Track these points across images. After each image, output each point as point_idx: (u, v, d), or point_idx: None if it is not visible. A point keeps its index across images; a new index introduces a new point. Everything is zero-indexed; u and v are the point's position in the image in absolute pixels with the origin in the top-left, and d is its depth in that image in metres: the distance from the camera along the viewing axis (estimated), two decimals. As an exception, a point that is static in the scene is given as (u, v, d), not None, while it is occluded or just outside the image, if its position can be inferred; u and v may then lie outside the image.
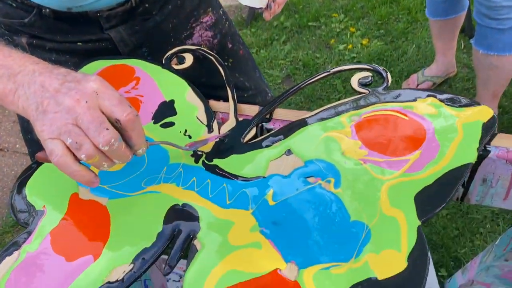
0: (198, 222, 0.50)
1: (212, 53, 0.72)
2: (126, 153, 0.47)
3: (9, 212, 1.64)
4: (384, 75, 0.63)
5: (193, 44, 0.81)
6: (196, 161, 0.56)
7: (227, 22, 0.87)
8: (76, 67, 0.75)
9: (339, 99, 1.86)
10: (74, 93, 0.44)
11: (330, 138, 0.56)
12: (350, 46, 2.03)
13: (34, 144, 0.84)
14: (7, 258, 0.49)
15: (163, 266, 0.47)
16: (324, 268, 0.44)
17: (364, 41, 2.03)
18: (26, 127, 0.83)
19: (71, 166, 0.45)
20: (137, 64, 0.72)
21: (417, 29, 2.05)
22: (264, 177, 0.53)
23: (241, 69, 0.90)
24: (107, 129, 0.44)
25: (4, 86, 0.47)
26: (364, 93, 0.61)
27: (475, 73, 1.53)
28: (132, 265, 0.47)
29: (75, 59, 0.75)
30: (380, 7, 2.19)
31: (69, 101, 0.44)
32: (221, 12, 0.86)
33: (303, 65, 2.01)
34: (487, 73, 1.45)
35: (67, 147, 0.45)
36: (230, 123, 0.61)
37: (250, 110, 0.64)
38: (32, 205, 0.53)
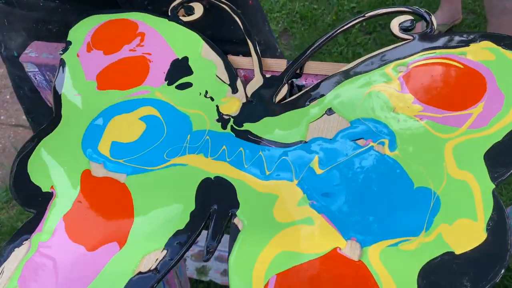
0: (236, 197, 0.43)
1: (225, 1, 0.63)
2: None
3: (2, 187, 1.56)
4: (428, 18, 0.55)
5: None
6: (224, 127, 0.49)
7: None
8: (68, 14, 0.66)
9: (340, 53, 1.77)
10: None
11: (377, 93, 0.48)
12: (348, -6, 1.92)
13: (26, 100, 0.77)
14: (16, 250, 0.42)
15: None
16: (391, 245, 0.38)
17: (366, -12, 1.92)
18: (18, 83, 0.75)
19: None
20: (140, 18, 0.62)
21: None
22: (305, 142, 0.46)
23: (250, 21, 0.81)
24: None
25: None
26: (407, 39, 0.54)
27: (481, 20, 1.46)
28: (165, 251, 0.40)
29: (65, 5, 0.66)
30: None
31: None
32: None
33: (301, 17, 1.90)
34: (500, 19, 1.37)
35: None
36: (257, 81, 0.53)
37: (277, 65, 0.56)
38: (38, 187, 0.46)
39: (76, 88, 0.54)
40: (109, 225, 0.42)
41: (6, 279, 0.40)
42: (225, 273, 1.16)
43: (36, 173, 0.47)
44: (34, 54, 0.63)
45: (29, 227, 0.43)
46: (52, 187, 0.46)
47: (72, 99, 0.53)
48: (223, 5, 0.62)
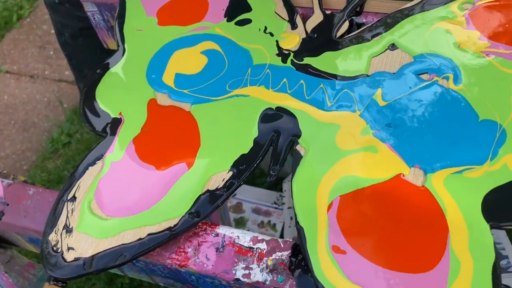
0: (298, 126, 0.44)
1: None
2: None
3: (48, 138, 1.63)
4: (496, -45, 0.53)
5: None
6: (284, 61, 0.49)
7: None
8: None
9: None
10: None
11: (441, 29, 0.48)
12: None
13: (67, 47, 0.79)
14: (91, 168, 0.44)
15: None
16: (455, 172, 0.39)
17: None
18: (59, 30, 0.78)
19: None
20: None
21: None
22: (367, 75, 0.46)
23: None
24: None
25: None
26: (474, -22, 0.52)
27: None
28: (231, 172, 0.42)
29: None
30: None
31: None
32: None
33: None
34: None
35: None
36: (316, 17, 0.53)
37: (336, 2, 0.55)
38: (107, 113, 0.48)
39: (138, 24, 0.56)
40: (177, 148, 0.44)
41: (83, 192, 0.43)
42: (262, 224, 1.19)
43: (104, 101, 0.49)
44: (93, -7, 0.64)
45: (101, 149, 0.45)
46: (120, 113, 0.48)
47: (134, 34, 0.55)
48: None
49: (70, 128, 1.63)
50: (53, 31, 2.00)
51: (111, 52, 0.71)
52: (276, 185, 1.36)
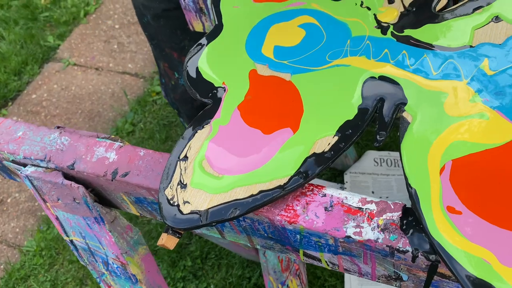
0: (403, 93, 0.45)
1: None
2: None
3: (113, 127, 1.69)
4: None
5: None
6: (384, 33, 0.50)
7: None
8: None
9: None
10: None
11: (549, 1, 0.47)
12: None
13: (149, 28, 0.82)
14: (199, 131, 0.46)
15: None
16: None
17: None
18: (142, 11, 0.81)
19: None
20: None
21: None
22: (471, 46, 0.46)
23: None
24: None
25: None
26: None
27: None
28: (336, 137, 0.43)
29: None
30: None
31: None
32: None
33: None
34: None
35: None
36: (414, -7, 0.53)
37: (432, -20, 0.55)
38: (210, 83, 0.50)
39: (234, 1, 0.58)
40: (281, 114, 0.46)
41: (195, 153, 0.45)
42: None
43: (207, 72, 0.51)
44: (185, -24, 0.67)
45: (208, 114, 0.48)
46: (223, 83, 0.50)
47: (231, 11, 0.57)
48: None
49: (134, 117, 1.70)
50: (117, 26, 2.09)
51: (192, 33, 0.74)
52: (336, 177, 1.36)
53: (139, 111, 1.70)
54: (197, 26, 0.73)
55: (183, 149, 0.45)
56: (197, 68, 0.52)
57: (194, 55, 0.54)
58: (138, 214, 0.55)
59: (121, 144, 0.50)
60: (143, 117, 1.68)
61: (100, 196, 0.53)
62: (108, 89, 1.86)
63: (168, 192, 0.43)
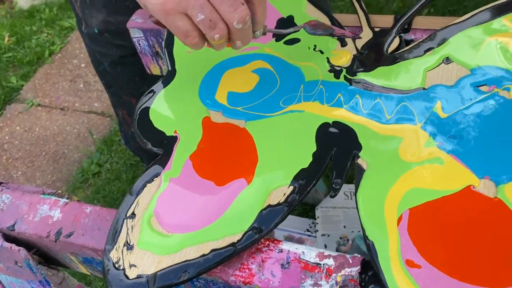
0: (357, 139, 0.43)
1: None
2: (250, 33, 0.42)
3: (78, 168, 1.65)
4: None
5: None
6: (337, 77, 0.49)
7: None
8: None
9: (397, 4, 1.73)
10: None
11: (496, 42, 0.47)
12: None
13: (106, 75, 0.80)
14: (149, 185, 0.44)
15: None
16: (529, 183, 0.37)
17: (431, -24, 1.87)
18: (98, 59, 0.79)
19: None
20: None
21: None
22: (424, 89, 0.46)
23: None
24: (242, 3, 0.38)
25: None
26: (523, -8, 0.52)
27: None
28: (292, 187, 0.41)
29: None
30: None
31: None
32: None
33: (366, 4, 1.87)
34: None
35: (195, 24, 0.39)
36: (366, 35, 0.53)
37: (383, 21, 0.56)
38: (162, 132, 0.48)
39: (187, 47, 0.57)
40: (235, 164, 0.44)
41: (142, 209, 0.42)
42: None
43: (159, 120, 0.49)
44: (140, 20, 0.66)
45: (158, 166, 0.45)
46: (175, 131, 0.48)
47: (184, 56, 0.56)
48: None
49: (100, 158, 1.65)
50: (83, 65, 2.06)
51: (150, 78, 0.72)
52: (308, 212, 1.34)
53: (106, 151, 1.66)
54: (155, 70, 0.72)
55: (130, 206, 0.43)
56: (148, 116, 0.50)
57: (145, 102, 0.52)
58: (89, 273, 0.51)
59: (67, 200, 0.47)
60: (110, 157, 1.64)
61: (46, 256, 0.50)
62: (73, 129, 1.81)
63: (114, 255, 0.40)
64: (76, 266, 0.50)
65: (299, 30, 0.48)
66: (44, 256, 0.49)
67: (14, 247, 0.45)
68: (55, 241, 0.44)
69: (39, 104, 1.92)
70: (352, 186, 1.27)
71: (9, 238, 0.47)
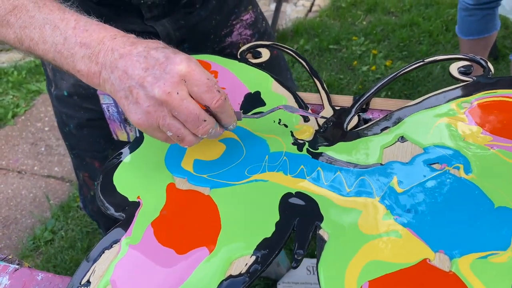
0: (319, 210, 0.45)
1: (290, 48, 0.68)
2: (220, 132, 0.46)
3: (30, 235, 1.56)
4: (485, 64, 0.59)
5: (231, 42, 0.78)
6: (300, 149, 0.52)
7: (264, 22, 0.85)
8: None
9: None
10: (162, 85, 0.42)
11: (446, 125, 0.51)
12: (373, 68, 2.03)
13: (71, 137, 0.80)
14: (107, 252, 0.43)
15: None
16: (481, 257, 0.39)
17: (388, 63, 2.03)
18: (64, 121, 0.79)
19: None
20: (211, 59, 0.68)
21: (439, 51, 2.05)
22: (381, 164, 0.48)
23: (274, 69, 0.87)
24: (204, 120, 0.43)
25: (88, 68, 0.45)
26: (467, 81, 0.58)
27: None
28: (254, 256, 0.41)
29: None
30: (400, 30, 2.21)
31: (160, 94, 0.42)
32: (259, 10, 0.83)
33: (328, 85, 1.99)
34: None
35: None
36: (327, 112, 0.56)
37: (343, 101, 0.60)
38: (125, 197, 0.48)
39: (156, 114, 0.58)
40: (197, 231, 0.44)
41: (98, 277, 0.41)
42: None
43: (122, 185, 0.49)
44: (111, 87, 0.68)
45: (118, 232, 0.44)
46: (138, 197, 0.48)
47: (152, 123, 0.57)
48: (288, 51, 0.68)
49: (55, 224, 1.58)
50: (47, 128, 2.03)
51: (115, 142, 0.73)
52: (270, 287, 1.30)
53: (62, 217, 1.59)
54: (122, 136, 0.72)
55: (86, 273, 0.41)
56: (112, 180, 0.50)
57: (110, 166, 0.52)
58: None
59: (17, 266, 0.45)
60: (65, 224, 1.57)
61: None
62: (29, 193, 1.74)
63: (63, 326, 0.37)
64: None
65: (275, 111, 0.51)
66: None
67: (-48, 317, 0.42)
68: (-1, 311, 0.41)
69: (-5, 166, 1.85)
70: (314, 261, 1.26)
71: None
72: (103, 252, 0.43)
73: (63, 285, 0.42)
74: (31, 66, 2.35)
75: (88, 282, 0.40)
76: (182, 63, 0.42)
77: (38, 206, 1.68)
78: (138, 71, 0.42)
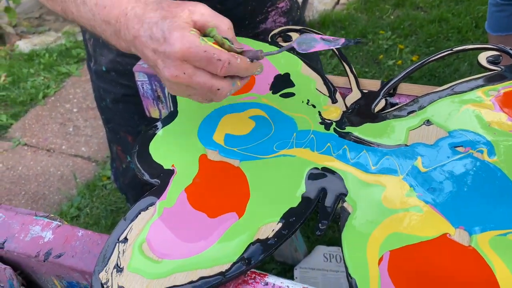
0: (344, 185, 0.47)
1: (320, 33, 0.70)
2: (244, 82, 0.48)
3: (57, 211, 1.61)
4: (513, 54, 0.60)
5: (265, 29, 0.79)
6: (327, 129, 0.53)
7: (299, 10, 0.86)
8: None
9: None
10: (168, 70, 0.43)
11: (472, 110, 0.52)
12: (399, 62, 2.02)
13: (107, 111, 0.83)
14: (143, 213, 0.46)
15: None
16: (500, 235, 0.40)
17: (414, 58, 2.02)
18: (101, 95, 0.82)
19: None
20: (241, 41, 0.70)
21: (468, 47, 2.02)
22: (406, 145, 0.50)
23: (305, 57, 0.88)
24: (218, 89, 0.45)
25: (119, 44, 0.47)
26: (495, 70, 0.58)
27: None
28: (280, 224, 0.44)
29: None
30: (428, 25, 2.18)
31: (170, 77, 0.44)
32: None
33: (352, 78, 1.98)
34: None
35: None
36: (355, 95, 0.58)
37: (371, 85, 0.61)
38: (160, 164, 0.51)
39: (189, 91, 0.61)
40: (227, 199, 0.46)
41: (135, 235, 0.44)
42: None
43: (158, 154, 0.52)
44: (146, 65, 0.71)
45: (153, 196, 0.47)
46: (173, 165, 0.50)
47: (186, 100, 0.60)
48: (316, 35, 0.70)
49: (81, 202, 1.63)
50: (75, 110, 2.09)
51: (148, 119, 0.76)
52: (286, 272, 1.33)
53: (87, 195, 1.65)
54: (154, 113, 0.75)
55: (123, 231, 0.44)
56: (148, 149, 0.53)
57: (146, 137, 0.54)
58: (68, 301, 0.50)
59: (59, 223, 0.48)
60: (90, 201, 1.63)
61: (28, 280, 0.49)
62: (57, 171, 1.80)
63: (103, 276, 0.40)
64: (57, 293, 0.50)
65: (290, 47, 0.50)
66: (26, 280, 0.49)
67: (0, 265, 0.45)
68: (44, 261, 0.45)
69: (26, 143, 1.93)
70: (331, 248, 1.28)
71: (-5, 257, 0.47)
72: (139, 213, 0.46)
73: (102, 241, 0.45)
74: (62, 49, 2.42)
75: (126, 239, 0.43)
76: (176, 43, 0.43)
77: (65, 184, 1.74)
78: (150, 54, 0.44)
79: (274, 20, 0.80)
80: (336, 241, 1.34)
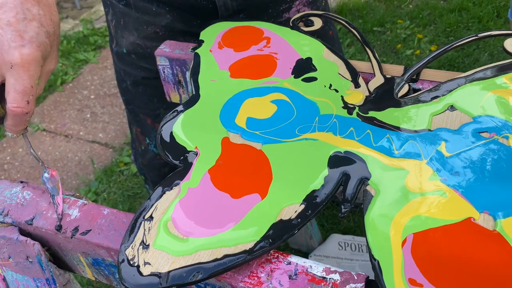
0: (367, 168, 0.47)
1: (342, 18, 0.70)
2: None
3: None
4: (541, 40, 0.59)
5: (288, 19, 0.79)
6: (350, 113, 0.53)
7: (324, 1, 0.85)
8: (174, 21, 0.74)
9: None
10: None
11: (497, 97, 0.52)
12: (417, 52, 1.99)
13: (127, 93, 0.84)
14: (168, 192, 0.46)
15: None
16: (526, 219, 0.40)
17: (433, 48, 1.99)
18: (122, 77, 0.83)
19: None
20: (264, 26, 0.70)
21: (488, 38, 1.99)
22: (430, 130, 0.50)
23: (325, 41, 0.87)
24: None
25: None
26: (521, 57, 0.57)
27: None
28: (303, 205, 0.44)
29: (173, 13, 0.74)
30: (448, 15, 2.15)
31: None
32: None
33: (369, 68, 1.97)
34: None
35: None
36: (378, 80, 0.58)
37: (394, 70, 0.61)
38: (183, 147, 0.51)
39: (211, 75, 0.61)
40: (250, 180, 0.47)
41: (160, 213, 0.44)
42: None
43: (181, 136, 0.53)
44: (167, 50, 0.71)
45: (178, 176, 0.48)
46: (196, 147, 0.51)
47: (208, 83, 0.60)
48: (341, 21, 0.69)
49: (98, 187, 1.66)
50: (92, 96, 2.11)
51: (167, 103, 0.76)
52: (300, 259, 1.33)
53: (104, 180, 1.67)
54: (174, 98, 0.76)
55: (149, 210, 0.45)
56: (171, 132, 0.53)
57: (169, 120, 0.55)
58: (93, 278, 0.52)
59: (85, 202, 0.49)
60: (108, 187, 1.65)
61: (55, 257, 0.51)
62: (75, 156, 1.83)
63: (129, 252, 0.41)
64: (82, 270, 0.51)
65: None
66: (53, 256, 0.50)
67: (30, 241, 0.47)
68: (71, 238, 0.46)
69: (45, 129, 1.96)
70: (346, 237, 1.28)
71: (24, 233, 0.48)
72: (164, 193, 0.46)
73: (127, 220, 0.46)
74: (80, 37, 2.44)
75: (151, 217, 0.44)
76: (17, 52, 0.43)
77: (83, 169, 1.77)
78: None
79: (298, 9, 0.80)
80: (351, 230, 1.35)
